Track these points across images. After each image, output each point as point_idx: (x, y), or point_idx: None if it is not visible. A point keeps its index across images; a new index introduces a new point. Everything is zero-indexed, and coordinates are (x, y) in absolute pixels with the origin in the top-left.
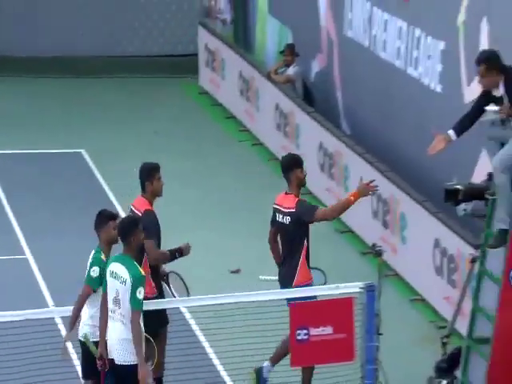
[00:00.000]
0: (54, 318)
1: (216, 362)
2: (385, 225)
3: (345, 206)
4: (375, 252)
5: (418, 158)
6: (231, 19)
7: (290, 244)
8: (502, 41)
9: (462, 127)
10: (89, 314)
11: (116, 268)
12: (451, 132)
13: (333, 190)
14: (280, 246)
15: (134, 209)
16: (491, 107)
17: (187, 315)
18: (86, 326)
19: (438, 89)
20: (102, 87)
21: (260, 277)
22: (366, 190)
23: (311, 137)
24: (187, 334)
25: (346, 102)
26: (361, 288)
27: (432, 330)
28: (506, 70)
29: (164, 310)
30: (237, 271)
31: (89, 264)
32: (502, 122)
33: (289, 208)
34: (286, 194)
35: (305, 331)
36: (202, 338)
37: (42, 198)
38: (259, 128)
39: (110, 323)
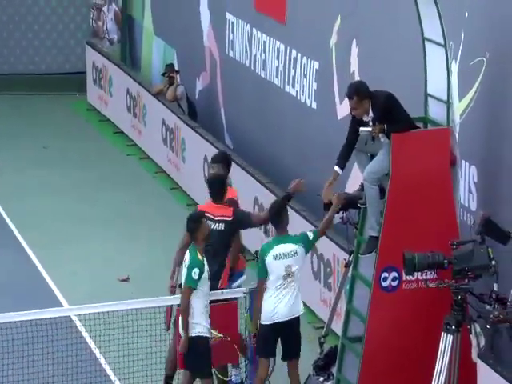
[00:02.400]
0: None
1: (107, 367)
2: (266, 233)
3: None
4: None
5: (296, 170)
6: (118, 39)
7: (221, 249)
8: (369, 60)
9: (344, 160)
10: (200, 310)
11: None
12: (337, 168)
13: None
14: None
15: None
16: (365, 128)
17: (77, 323)
18: (199, 325)
19: (314, 106)
20: None
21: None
22: (298, 186)
23: (196, 150)
24: (79, 340)
25: (228, 118)
26: (245, 293)
27: (310, 331)
28: (372, 96)
29: None
30: (126, 279)
31: (187, 265)
32: (373, 139)
33: (223, 216)
34: (215, 203)
35: None
36: (93, 345)
37: None
38: (146, 142)
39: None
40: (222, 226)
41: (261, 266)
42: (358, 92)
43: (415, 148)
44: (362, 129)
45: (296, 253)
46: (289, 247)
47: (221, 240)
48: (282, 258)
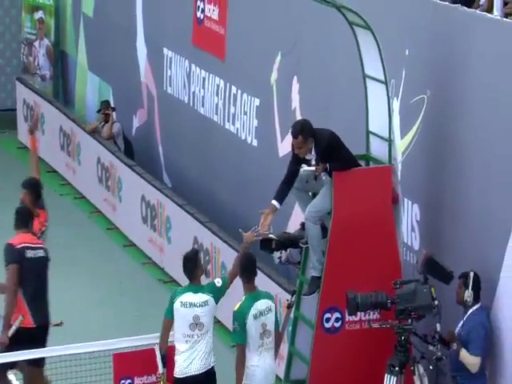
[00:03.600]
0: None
1: None
2: (206, 274)
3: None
4: None
5: (237, 209)
6: (50, 75)
7: (45, 278)
8: (311, 97)
9: (282, 195)
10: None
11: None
12: (274, 202)
13: (156, 240)
14: (22, 287)
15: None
16: (308, 168)
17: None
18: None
19: (255, 143)
20: None
21: None
22: (248, 238)
23: (133, 190)
24: None
25: (167, 156)
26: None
27: None
28: (315, 134)
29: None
30: (59, 324)
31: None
32: (315, 177)
33: (38, 243)
34: (23, 232)
35: (129, 381)
36: None
37: None
38: (81, 182)
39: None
40: (42, 253)
41: (168, 307)
42: (302, 131)
43: (357, 186)
44: (305, 168)
45: (207, 303)
46: (199, 297)
47: (46, 267)
48: (190, 306)
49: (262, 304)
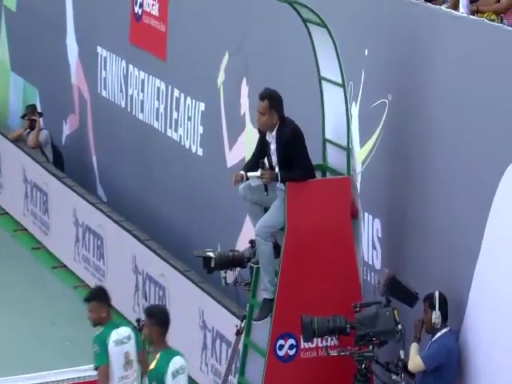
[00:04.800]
0: None
1: None
2: (146, 297)
3: None
4: (140, 328)
5: (181, 225)
6: None
7: None
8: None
9: (248, 167)
10: None
11: None
12: (243, 172)
13: (89, 261)
14: None
15: None
16: (253, 173)
17: None
18: None
19: (200, 152)
20: None
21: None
22: None
23: (64, 204)
24: None
25: (101, 167)
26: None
27: None
28: (283, 116)
29: None
30: None
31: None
32: (266, 189)
33: None
34: None
35: None
36: None
37: None
38: (3, 196)
39: None
40: None
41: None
42: (271, 98)
43: (313, 199)
44: (250, 174)
45: (130, 336)
46: (124, 331)
47: None
48: (121, 343)
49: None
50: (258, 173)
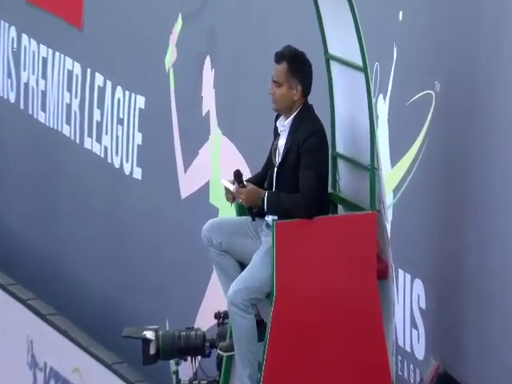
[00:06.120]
0: None
1: None
2: None
3: None
4: None
5: (106, 291)
6: None
7: None
8: (232, 92)
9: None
10: None
11: None
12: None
13: None
14: None
15: None
16: (226, 182)
17: None
18: None
19: (137, 174)
20: None
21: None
22: None
23: None
24: None
25: None
26: None
27: None
28: (307, 105)
29: None
30: None
31: None
32: (251, 213)
33: None
34: None
35: None
36: None
37: None
38: None
39: None
40: None
41: None
42: (293, 59)
43: (317, 248)
44: (222, 180)
45: None
46: None
47: None
48: None
49: None
50: (231, 187)
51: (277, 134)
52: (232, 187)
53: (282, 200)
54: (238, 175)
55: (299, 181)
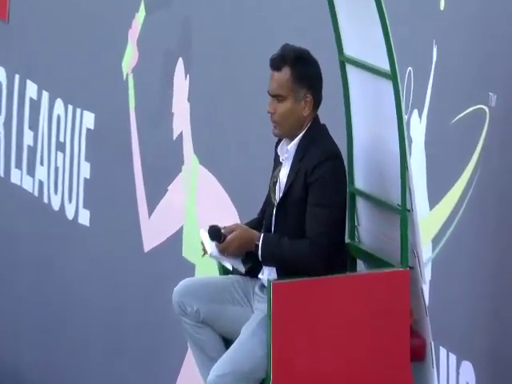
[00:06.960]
0: None
1: None
2: None
3: None
4: None
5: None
6: None
7: None
8: (212, 105)
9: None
10: None
11: None
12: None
13: None
14: None
15: None
16: (203, 235)
17: None
18: None
19: (84, 219)
20: None
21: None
22: None
23: None
24: None
25: None
26: None
27: None
28: (317, 120)
29: None
30: None
31: None
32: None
33: None
34: None
35: None
36: None
37: None
38: None
39: None
40: None
41: None
42: (297, 62)
43: (329, 316)
44: (201, 232)
45: None
46: None
47: None
48: None
49: None
50: (209, 248)
51: (277, 164)
52: (210, 248)
53: (282, 246)
54: (214, 232)
55: (306, 222)
